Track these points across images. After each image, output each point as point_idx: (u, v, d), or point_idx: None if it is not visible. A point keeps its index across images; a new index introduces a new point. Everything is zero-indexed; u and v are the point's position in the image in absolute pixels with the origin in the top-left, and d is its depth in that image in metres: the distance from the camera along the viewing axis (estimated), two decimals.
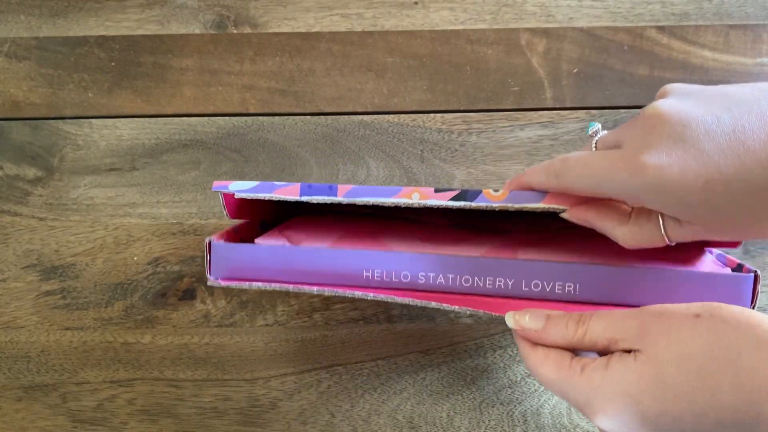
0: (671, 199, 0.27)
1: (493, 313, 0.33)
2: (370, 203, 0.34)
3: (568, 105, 0.49)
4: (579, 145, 0.50)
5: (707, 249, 0.42)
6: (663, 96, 0.29)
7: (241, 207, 0.39)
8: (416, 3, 0.50)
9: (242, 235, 0.40)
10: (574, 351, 0.29)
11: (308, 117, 0.51)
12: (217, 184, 0.35)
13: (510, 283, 0.34)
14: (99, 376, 0.44)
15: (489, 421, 0.40)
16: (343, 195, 0.35)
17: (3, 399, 0.43)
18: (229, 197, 0.37)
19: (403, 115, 0.51)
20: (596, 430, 0.34)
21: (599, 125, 0.33)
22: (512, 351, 0.48)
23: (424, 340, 0.48)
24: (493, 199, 0.33)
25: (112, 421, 0.42)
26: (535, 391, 0.47)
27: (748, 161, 0.25)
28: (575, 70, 0.49)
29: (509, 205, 0.32)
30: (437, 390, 0.46)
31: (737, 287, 0.33)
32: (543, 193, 0.32)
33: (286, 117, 0.52)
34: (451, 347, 0.48)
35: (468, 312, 0.34)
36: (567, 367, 0.28)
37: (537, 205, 0.32)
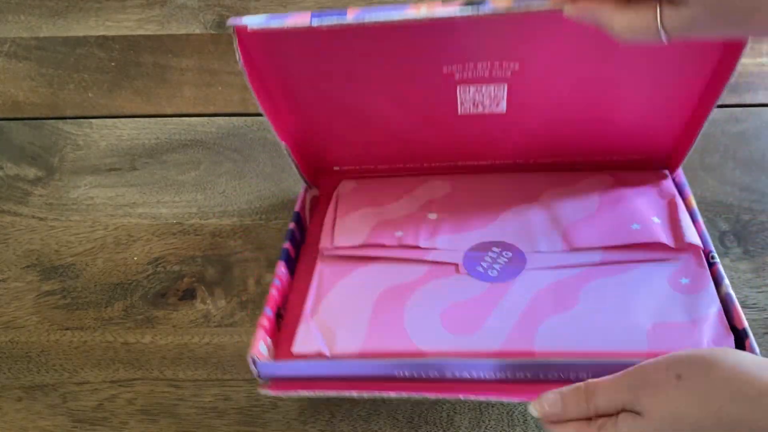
0: None
1: (513, 399, 0.35)
2: (380, 21, 0.36)
3: None
4: None
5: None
6: None
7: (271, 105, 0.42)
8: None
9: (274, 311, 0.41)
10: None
11: None
12: (232, 19, 0.37)
13: (529, 375, 0.36)
14: (99, 376, 0.44)
15: (489, 421, 0.40)
16: (353, 17, 0.36)
17: (3, 399, 0.43)
18: (244, 48, 0.38)
19: None
20: None
21: None
22: None
23: None
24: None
25: (112, 421, 0.42)
26: None
27: None
28: None
29: (515, 5, 0.35)
30: None
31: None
32: None
33: None
34: None
35: (493, 401, 0.38)
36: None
37: (542, 3, 0.34)
